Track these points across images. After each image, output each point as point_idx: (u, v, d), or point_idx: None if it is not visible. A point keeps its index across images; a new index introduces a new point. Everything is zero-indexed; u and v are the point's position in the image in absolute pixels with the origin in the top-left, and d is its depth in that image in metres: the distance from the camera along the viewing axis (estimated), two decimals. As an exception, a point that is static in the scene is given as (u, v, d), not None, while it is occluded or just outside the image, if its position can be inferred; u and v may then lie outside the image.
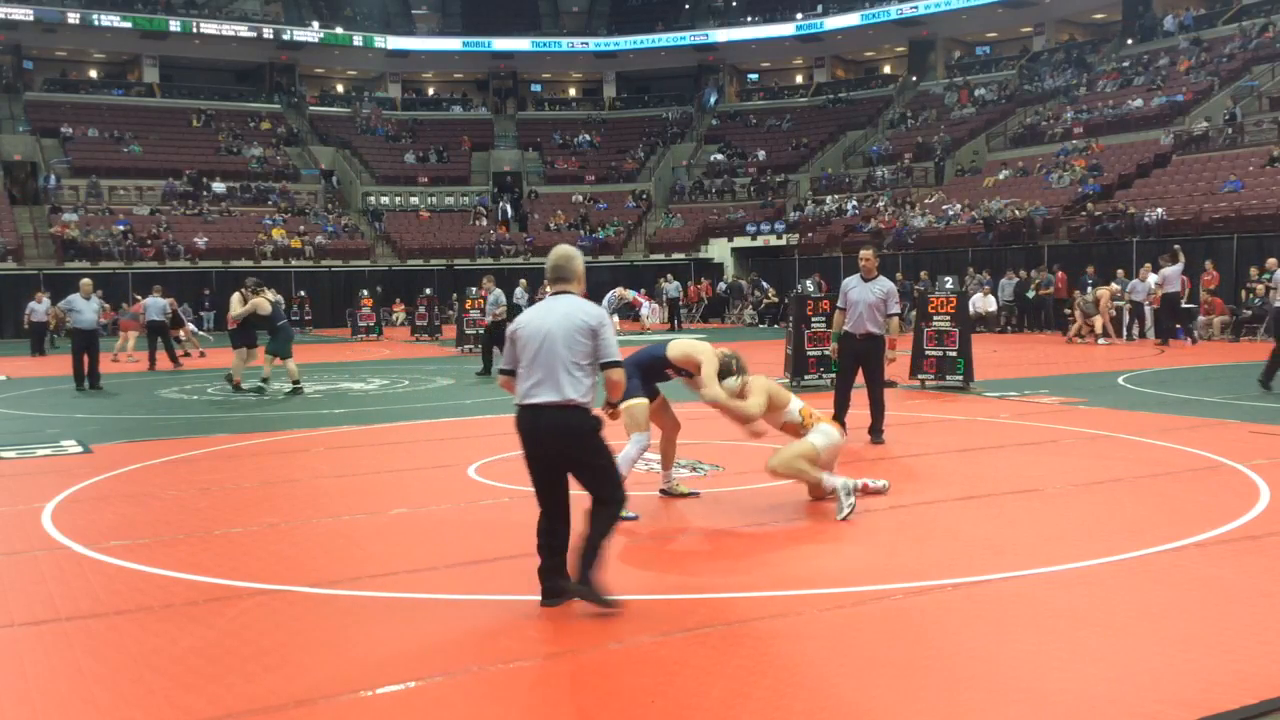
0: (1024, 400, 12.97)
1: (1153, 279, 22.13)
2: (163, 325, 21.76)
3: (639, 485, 7.49)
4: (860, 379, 10.10)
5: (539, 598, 5.17)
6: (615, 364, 5.21)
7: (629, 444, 7.06)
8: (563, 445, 5.09)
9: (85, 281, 17.38)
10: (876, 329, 9.91)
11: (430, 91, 56.48)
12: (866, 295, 9.91)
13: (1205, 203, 28.27)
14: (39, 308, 26.74)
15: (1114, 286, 23.70)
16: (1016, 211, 32.61)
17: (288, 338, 16.18)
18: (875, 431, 10.05)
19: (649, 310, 32.34)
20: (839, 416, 9.99)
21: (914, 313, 15.76)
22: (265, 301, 16.09)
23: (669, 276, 36.18)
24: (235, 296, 16.75)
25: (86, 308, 16.81)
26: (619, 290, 32.70)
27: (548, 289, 5.35)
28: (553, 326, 5.08)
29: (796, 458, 7.03)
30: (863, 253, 10.34)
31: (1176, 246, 22.76)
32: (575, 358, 5.07)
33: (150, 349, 21.51)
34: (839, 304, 10.29)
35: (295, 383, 15.82)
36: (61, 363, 21.30)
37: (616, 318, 31.50)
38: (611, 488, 5.23)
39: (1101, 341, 22.41)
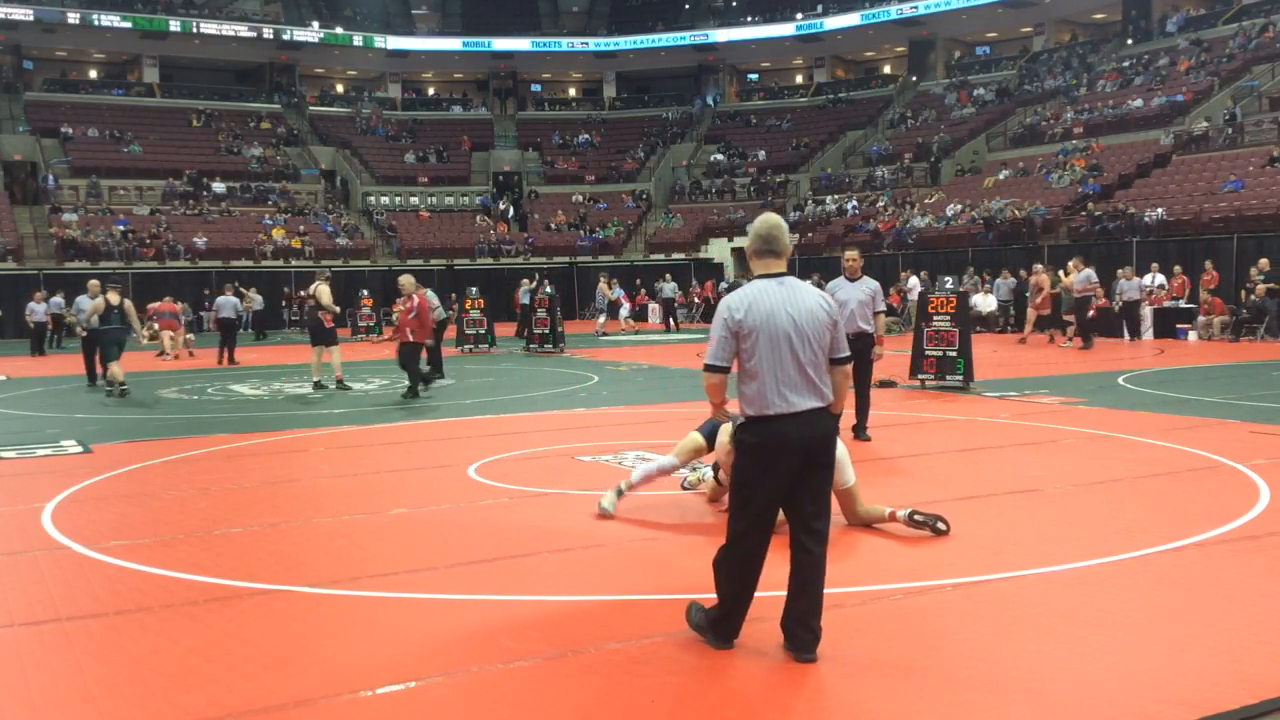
0: (1024, 400, 12.97)
1: (1082, 275, 21.92)
2: (232, 323, 22.39)
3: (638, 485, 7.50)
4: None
5: (536, 597, 5.14)
6: (849, 359, 4.59)
7: (663, 457, 7.32)
8: (819, 453, 4.40)
9: (93, 282, 17.84)
10: (867, 326, 10.14)
11: (430, 91, 56.50)
12: (856, 294, 10.14)
13: (1205, 203, 28.27)
14: (38, 308, 26.85)
15: (1044, 275, 23.39)
16: (1016, 211, 32.62)
17: (109, 342, 15.98)
18: (860, 429, 10.26)
19: (627, 311, 31.91)
20: None
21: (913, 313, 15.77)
22: (103, 303, 15.98)
23: (667, 276, 36.18)
24: (322, 288, 16.22)
25: (90, 306, 17.11)
26: (601, 285, 32.48)
27: (751, 265, 4.55)
28: (799, 319, 4.35)
29: None
30: (849, 253, 10.56)
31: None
32: (825, 354, 4.42)
33: (221, 346, 22.07)
34: None
35: (119, 384, 15.49)
36: (61, 363, 21.38)
37: (604, 317, 31.41)
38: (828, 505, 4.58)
39: (1065, 344, 22.16)
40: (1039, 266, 24.34)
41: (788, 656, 4.41)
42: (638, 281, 39.68)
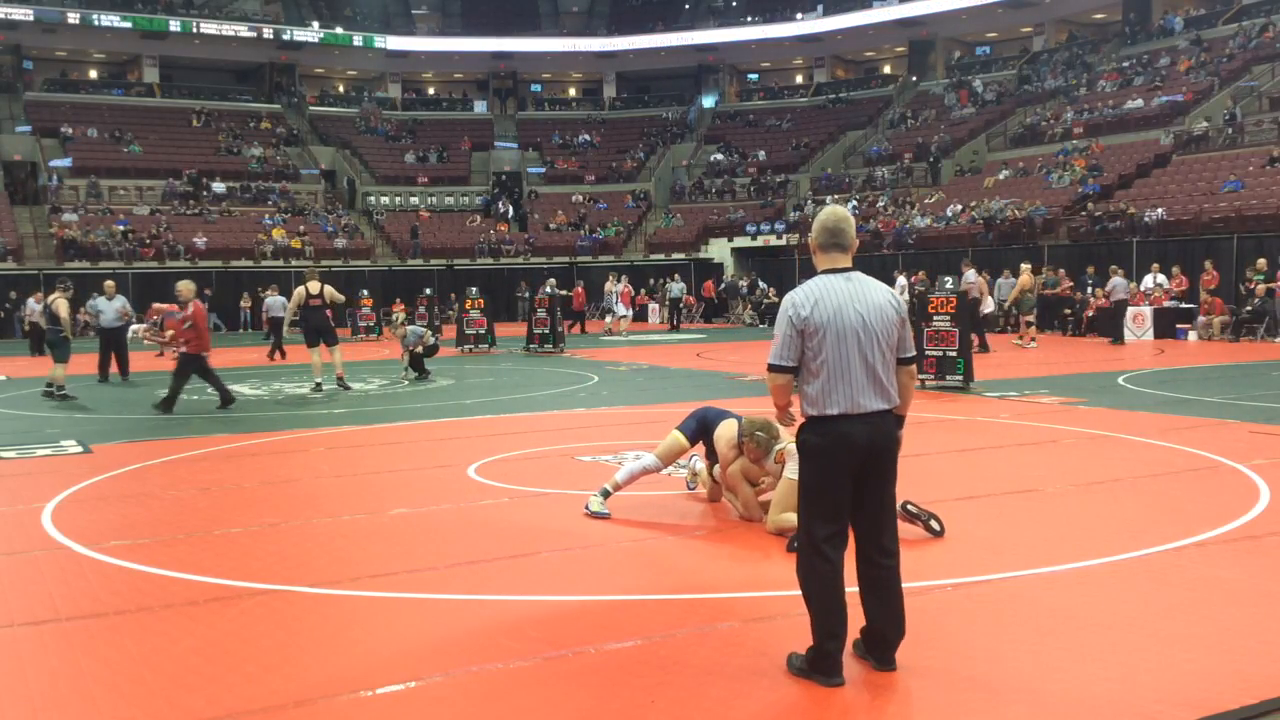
0: (1024, 400, 12.97)
1: (966, 276, 21.59)
2: (281, 321, 22.90)
3: (634, 486, 7.50)
4: None
5: (536, 597, 5.12)
6: (915, 359, 4.40)
7: (647, 456, 7.26)
8: (884, 458, 4.23)
9: (109, 284, 18.85)
10: None
11: (430, 91, 56.49)
12: None
13: (1205, 203, 28.27)
14: (37, 307, 26.94)
15: (1028, 276, 23.33)
16: (1016, 211, 32.62)
17: (46, 344, 16.17)
18: None
19: (623, 312, 31.60)
20: None
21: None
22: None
23: (675, 276, 36.16)
24: (328, 286, 16.23)
25: (109, 308, 18.10)
26: (609, 285, 32.35)
27: (816, 260, 4.36)
28: (867, 316, 4.16)
29: (783, 512, 6.31)
30: None
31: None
32: (893, 354, 4.24)
33: (273, 343, 23.16)
34: None
35: (59, 387, 15.41)
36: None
37: (611, 317, 31.34)
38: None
39: (1031, 344, 22.00)
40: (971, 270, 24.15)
41: (862, 662, 4.35)
42: (652, 281, 39.65)
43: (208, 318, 14.34)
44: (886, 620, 4.29)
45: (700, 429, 7.22)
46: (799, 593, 4.40)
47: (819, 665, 4.16)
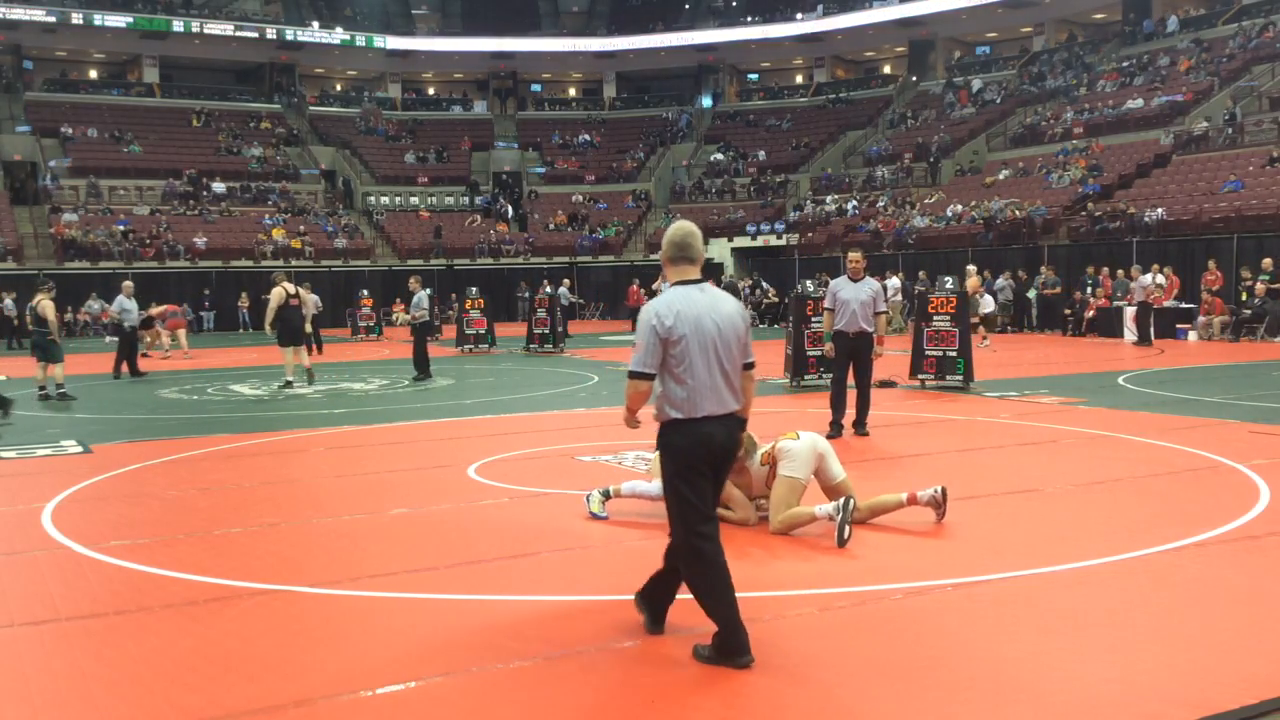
0: (1024, 400, 12.97)
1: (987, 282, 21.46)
2: (315, 318, 23.35)
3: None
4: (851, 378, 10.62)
5: (536, 597, 5.12)
6: (754, 365, 4.64)
7: (656, 483, 7.14)
8: (731, 456, 4.53)
9: (128, 284, 19.83)
10: (868, 325, 10.39)
11: (430, 91, 56.48)
12: (858, 294, 10.40)
13: (1205, 203, 28.26)
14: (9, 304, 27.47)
15: (975, 279, 23.22)
16: (1016, 211, 32.62)
17: (33, 346, 16.14)
18: (860, 424, 10.51)
19: None
20: (836, 416, 10.30)
21: (909, 313, 15.75)
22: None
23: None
24: (276, 291, 16.47)
25: (133, 306, 19.25)
26: (656, 284, 32.39)
27: (667, 272, 4.67)
28: (721, 324, 4.45)
29: (787, 510, 6.44)
30: (852, 254, 10.92)
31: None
32: (741, 360, 4.52)
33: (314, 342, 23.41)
34: (827, 305, 10.80)
35: (59, 385, 15.52)
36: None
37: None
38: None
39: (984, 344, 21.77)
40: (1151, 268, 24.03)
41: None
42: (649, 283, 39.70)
43: None
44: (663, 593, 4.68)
45: None
46: (797, 593, 4.41)
47: (727, 648, 4.33)
